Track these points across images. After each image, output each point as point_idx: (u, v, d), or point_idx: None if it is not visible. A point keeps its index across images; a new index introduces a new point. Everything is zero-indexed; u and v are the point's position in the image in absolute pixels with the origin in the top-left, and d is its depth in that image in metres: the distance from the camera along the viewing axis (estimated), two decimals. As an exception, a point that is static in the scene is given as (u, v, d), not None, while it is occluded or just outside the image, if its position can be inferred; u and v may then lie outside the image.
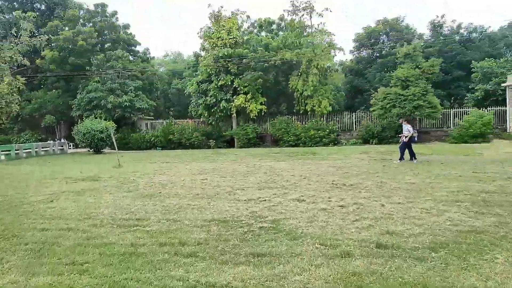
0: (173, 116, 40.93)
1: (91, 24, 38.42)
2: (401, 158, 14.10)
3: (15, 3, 39.85)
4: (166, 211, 6.94)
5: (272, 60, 29.46)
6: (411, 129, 14.14)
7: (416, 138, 14.73)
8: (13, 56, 23.71)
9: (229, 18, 31.08)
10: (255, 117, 29.52)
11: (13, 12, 37.25)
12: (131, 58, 39.27)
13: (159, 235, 5.39)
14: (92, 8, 39.16)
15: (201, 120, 31.58)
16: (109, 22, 38.53)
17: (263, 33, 36.63)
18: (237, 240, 5.06)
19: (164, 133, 29.76)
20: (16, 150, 23.04)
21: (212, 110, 29.60)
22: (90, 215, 6.68)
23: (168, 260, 4.39)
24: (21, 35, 24.70)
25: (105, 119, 28.40)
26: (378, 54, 38.80)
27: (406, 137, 13.96)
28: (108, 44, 38.98)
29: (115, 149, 17.45)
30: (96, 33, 36.55)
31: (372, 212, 6.29)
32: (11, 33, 27.07)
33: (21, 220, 6.52)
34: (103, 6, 38.77)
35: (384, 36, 39.15)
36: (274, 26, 36.98)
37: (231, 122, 30.89)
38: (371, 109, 26.97)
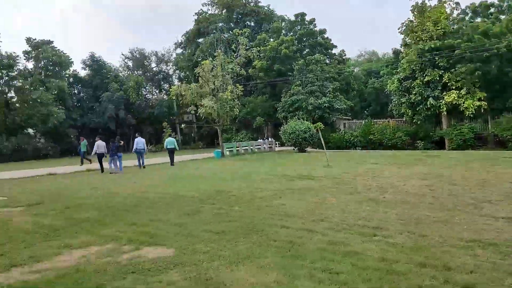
0: (369, 116, 39.55)
1: (291, 33, 41.28)
2: None
3: (231, 24, 46.89)
4: (402, 221, 6.15)
5: (495, 48, 24.48)
6: None
7: None
8: (233, 68, 27.48)
9: (436, 7, 27.69)
10: (471, 115, 25.21)
11: (230, 31, 43.99)
12: (327, 61, 40.19)
13: (410, 251, 4.64)
14: (292, 18, 42.15)
15: (404, 119, 29.19)
16: (308, 29, 40.51)
17: (478, 19, 31.09)
18: (528, 275, 3.80)
19: (364, 133, 28.97)
20: (236, 147, 26.93)
21: (417, 109, 26.87)
22: (321, 217, 6.54)
23: (440, 288, 3.60)
24: (239, 49, 28.36)
25: (306, 120, 29.75)
26: None
27: None
28: (307, 50, 41.08)
29: (322, 149, 17.77)
30: (296, 41, 39.08)
31: None
32: (230, 48, 31.61)
33: (260, 214, 6.93)
34: (302, 15, 41.09)
35: None
36: (492, 10, 30.94)
37: (439, 121, 27.37)
38: None
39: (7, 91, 34.59)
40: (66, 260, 4.74)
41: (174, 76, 52.36)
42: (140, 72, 50.10)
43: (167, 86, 49.88)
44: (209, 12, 48.03)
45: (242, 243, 5.16)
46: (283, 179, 11.78)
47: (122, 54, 52.96)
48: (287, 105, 33.91)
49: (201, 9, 48.24)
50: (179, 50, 50.60)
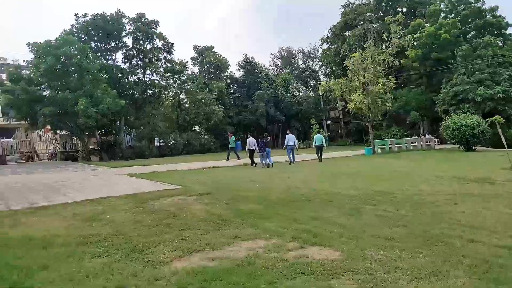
0: None
1: (453, 14, 36.24)
2: None
3: (380, 12, 43.98)
4: None
5: None
6: None
7: None
8: (385, 58, 25.61)
9: None
10: None
11: (379, 21, 41.35)
12: (500, 43, 33.89)
13: None
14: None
15: None
16: (474, 8, 34.89)
17: None
18: None
19: (557, 128, 23.24)
20: (389, 144, 25.13)
21: None
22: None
23: None
24: (390, 38, 26.27)
25: (474, 114, 25.62)
26: None
27: None
28: (472, 33, 35.52)
29: (496, 147, 14.84)
30: (459, 23, 34.08)
31: None
32: (382, 39, 29.54)
33: (435, 222, 5.98)
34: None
35: None
36: None
37: None
38: None
39: (179, 93, 40.40)
40: (236, 251, 4.91)
41: (320, 72, 52.48)
42: (288, 70, 51.84)
43: (314, 82, 50.26)
44: (356, 2, 46.27)
45: (421, 255, 4.45)
46: (453, 182, 10.19)
47: (271, 54, 55.88)
48: (449, 97, 29.89)
49: (348, 1, 46.85)
50: (325, 46, 50.34)
